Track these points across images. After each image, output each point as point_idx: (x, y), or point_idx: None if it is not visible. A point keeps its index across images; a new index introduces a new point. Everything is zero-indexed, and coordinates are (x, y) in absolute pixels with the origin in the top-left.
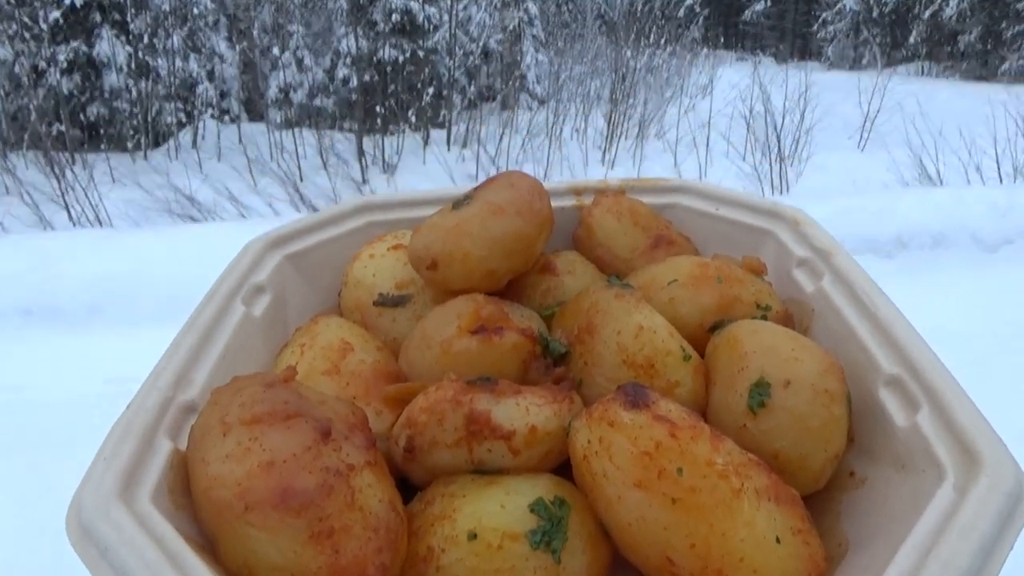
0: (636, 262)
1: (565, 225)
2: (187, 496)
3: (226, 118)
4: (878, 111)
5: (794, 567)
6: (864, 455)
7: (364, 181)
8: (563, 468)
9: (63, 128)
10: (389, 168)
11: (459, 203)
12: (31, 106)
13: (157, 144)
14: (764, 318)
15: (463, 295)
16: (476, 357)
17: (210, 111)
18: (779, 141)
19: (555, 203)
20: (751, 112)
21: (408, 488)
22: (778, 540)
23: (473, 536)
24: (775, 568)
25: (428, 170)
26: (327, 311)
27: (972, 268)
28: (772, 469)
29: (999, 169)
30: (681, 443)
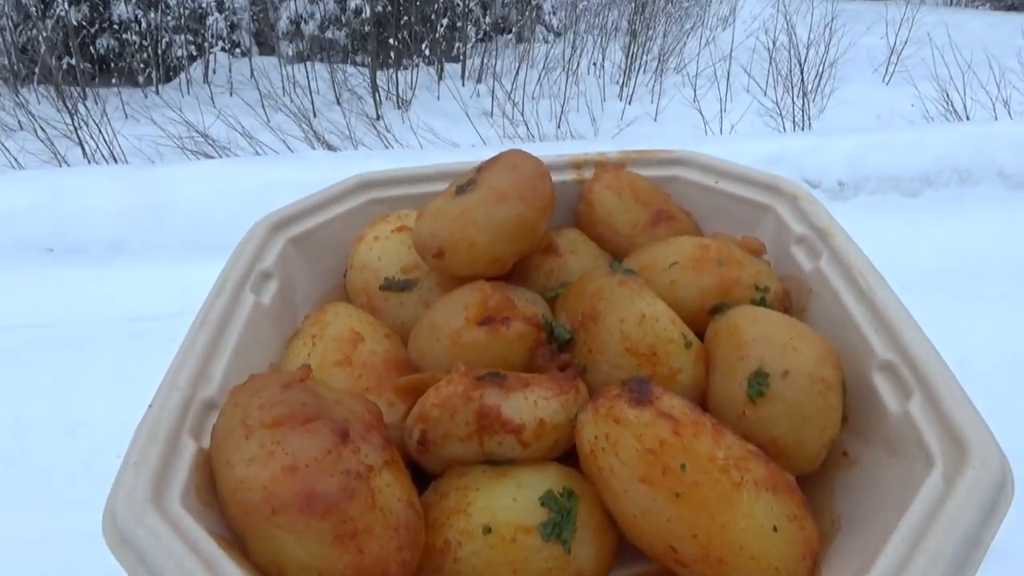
0: (637, 238)
1: (566, 200)
2: (213, 493)
3: (237, 51)
4: (905, 42)
5: (790, 552)
6: (858, 437)
7: (378, 117)
8: (570, 454)
9: (73, 62)
10: (403, 104)
11: (462, 187)
12: (40, 38)
13: (168, 78)
14: (763, 299)
15: (469, 283)
16: (484, 347)
17: (220, 44)
18: (802, 74)
19: (556, 178)
20: (774, 44)
21: (421, 476)
22: (775, 528)
23: (488, 530)
24: (772, 554)
25: (443, 106)
26: (333, 294)
27: (999, 205)
28: (770, 454)
29: None
30: (684, 440)
